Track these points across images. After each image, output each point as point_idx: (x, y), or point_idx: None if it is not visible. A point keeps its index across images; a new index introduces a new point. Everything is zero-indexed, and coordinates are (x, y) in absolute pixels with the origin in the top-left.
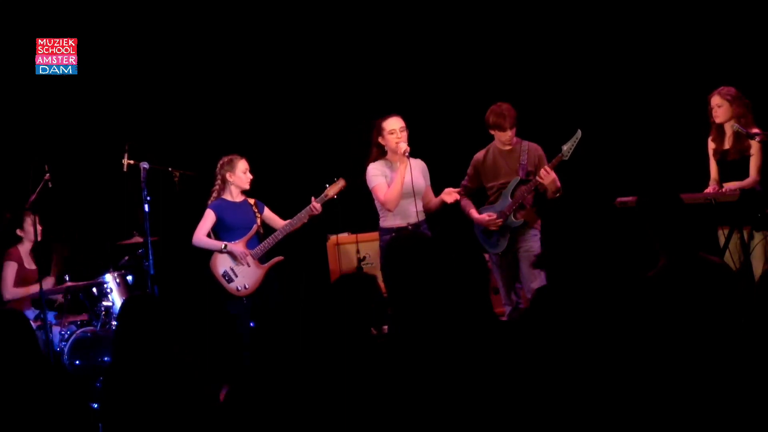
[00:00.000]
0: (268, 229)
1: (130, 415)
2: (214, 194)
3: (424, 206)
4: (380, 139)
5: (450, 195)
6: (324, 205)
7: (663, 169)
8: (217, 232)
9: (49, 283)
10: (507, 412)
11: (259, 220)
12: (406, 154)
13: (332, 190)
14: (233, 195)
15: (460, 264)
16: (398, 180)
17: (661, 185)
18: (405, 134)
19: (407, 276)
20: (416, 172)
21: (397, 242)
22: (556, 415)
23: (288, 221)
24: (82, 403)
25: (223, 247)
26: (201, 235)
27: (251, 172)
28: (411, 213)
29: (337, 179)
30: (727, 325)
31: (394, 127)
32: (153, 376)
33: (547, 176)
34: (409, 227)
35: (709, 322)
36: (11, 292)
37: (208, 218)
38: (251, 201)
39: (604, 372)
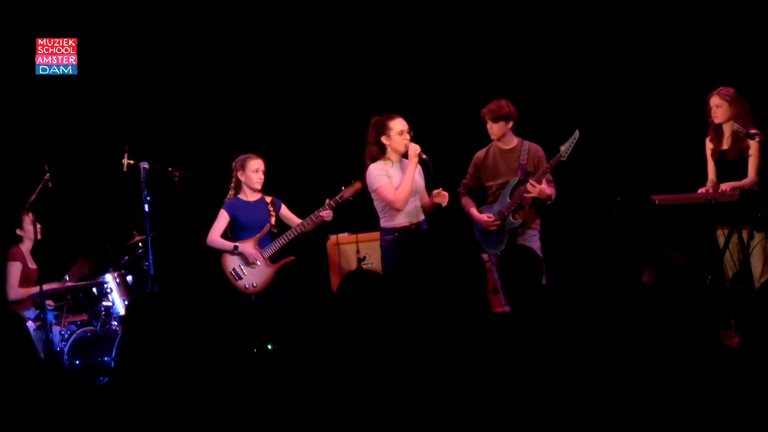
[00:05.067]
0: (284, 226)
1: (135, 415)
2: (231, 193)
3: (422, 205)
4: (384, 139)
5: (441, 197)
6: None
7: (661, 169)
8: (232, 231)
9: (52, 285)
10: (506, 413)
11: (273, 219)
12: (423, 155)
13: (348, 192)
14: (247, 194)
15: (459, 262)
16: (409, 180)
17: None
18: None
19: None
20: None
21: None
22: (553, 415)
23: (301, 221)
24: (82, 403)
25: (234, 248)
26: (215, 236)
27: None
28: (415, 211)
29: (354, 181)
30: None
31: (402, 128)
32: (159, 377)
33: (534, 189)
34: (412, 226)
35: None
36: (16, 292)
37: (222, 218)
38: (268, 199)
39: (602, 372)
